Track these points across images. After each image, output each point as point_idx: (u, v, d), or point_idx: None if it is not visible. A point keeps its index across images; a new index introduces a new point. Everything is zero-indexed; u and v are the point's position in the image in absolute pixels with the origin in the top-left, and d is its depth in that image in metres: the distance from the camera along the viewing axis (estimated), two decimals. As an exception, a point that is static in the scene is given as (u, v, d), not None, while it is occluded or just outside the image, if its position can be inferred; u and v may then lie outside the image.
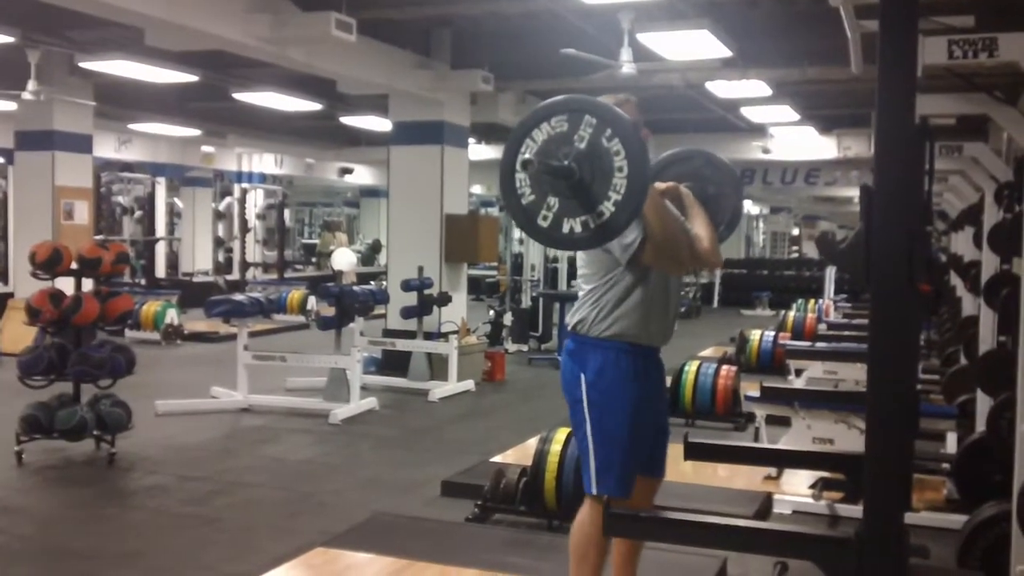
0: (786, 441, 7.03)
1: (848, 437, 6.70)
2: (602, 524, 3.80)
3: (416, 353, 11.26)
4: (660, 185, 3.99)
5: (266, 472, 7.39)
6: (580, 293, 4.02)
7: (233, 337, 10.20)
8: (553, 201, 3.43)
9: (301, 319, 17.09)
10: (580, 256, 4.00)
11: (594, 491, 3.87)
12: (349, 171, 24.63)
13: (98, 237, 15.22)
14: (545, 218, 3.45)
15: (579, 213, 3.39)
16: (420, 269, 11.50)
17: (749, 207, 30.58)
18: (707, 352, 13.70)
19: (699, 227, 4.07)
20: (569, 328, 4.03)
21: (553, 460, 5.75)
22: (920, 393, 7.94)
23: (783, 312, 15.95)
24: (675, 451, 4.41)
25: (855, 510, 5.16)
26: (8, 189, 16.17)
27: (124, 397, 7.69)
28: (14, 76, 11.87)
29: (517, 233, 19.85)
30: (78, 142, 13.50)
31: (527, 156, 3.43)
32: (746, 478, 6.89)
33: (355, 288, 10.91)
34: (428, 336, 11.46)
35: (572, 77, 10.89)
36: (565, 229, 3.42)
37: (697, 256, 4.06)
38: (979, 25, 4.48)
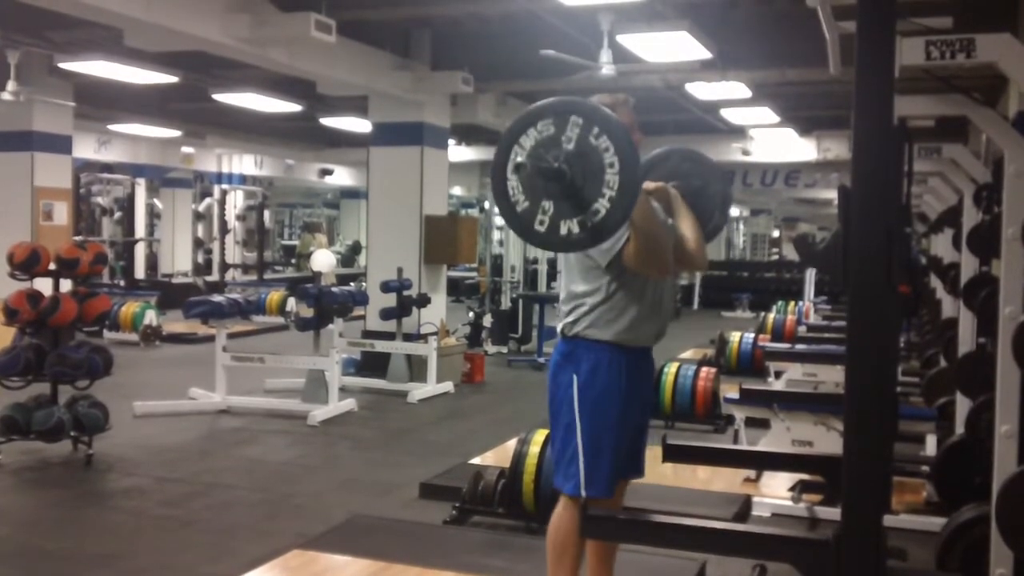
0: (765, 443, 7.03)
1: (827, 439, 6.70)
2: (579, 525, 3.80)
3: (395, 355, 11.24)
4: (649, 185, 3.93)
5: (244, 474, 7.36)
6: (565, 295, 3.97)
7: (212, 338, 10.15)
8: (547, 204, 3.39)
9: (280, 320, 17.01)
10: (569, 267, 3.96)
11: (582, 493, 3.83)
12: (329, 172, 24.60)
13: (77, 238, 15.13)
14: (541, 223, 3.41)
15: (574, 214, 3.35)
16: (399, 270, 11.49)
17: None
18: (687, 354, 13.71)
19: (686, 228, 4.04)
20: (560, 330, 3.99)
21: (532, 462, 5.74)
22: (899, 395, 8.00)
23: (763, 314, 15.95)
24: (654, 453, 4.40)
25: (834, 512, 5.17)
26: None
27: (102, 398, 7.65)
28: (-7, 77, 11.81)
29: (497, 235, 19.86)
30: (58, 143, 13.45)
31: (519, 160, 3.39)
32: (725, 480, 6.90)
33: (334, 289, 10.87)
34: (407, 337, 11.43)
35: (552, 78, 10.87)
36: (562, 231, 3.38)
37: (682, 258, 4.02)
38: (957, 26, 4.49)
